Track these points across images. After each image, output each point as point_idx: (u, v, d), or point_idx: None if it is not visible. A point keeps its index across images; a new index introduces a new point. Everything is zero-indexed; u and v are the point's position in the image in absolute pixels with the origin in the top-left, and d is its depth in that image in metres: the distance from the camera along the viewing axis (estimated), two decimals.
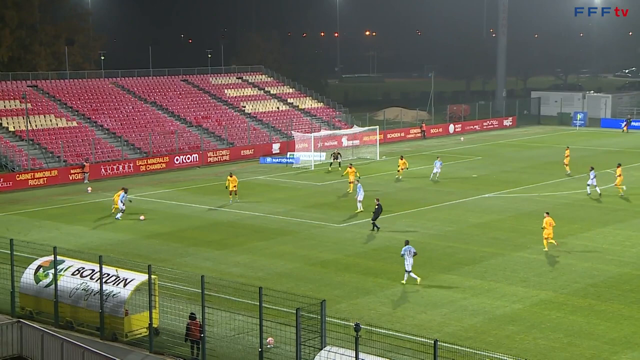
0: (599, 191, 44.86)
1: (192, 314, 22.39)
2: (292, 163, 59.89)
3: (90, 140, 58.67)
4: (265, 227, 38.61)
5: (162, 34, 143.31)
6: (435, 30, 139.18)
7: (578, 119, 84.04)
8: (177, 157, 59.95)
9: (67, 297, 24.68)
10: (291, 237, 36.67)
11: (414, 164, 55.79)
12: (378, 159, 61.99)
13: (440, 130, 78.93)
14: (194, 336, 22.07)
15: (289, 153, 62.92)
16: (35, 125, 58.99)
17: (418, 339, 20.31)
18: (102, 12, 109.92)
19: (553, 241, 33.40)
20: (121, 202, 40.47)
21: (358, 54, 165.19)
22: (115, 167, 56.03)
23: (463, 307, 26.67)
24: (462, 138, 75.06)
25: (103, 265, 24.11)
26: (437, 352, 17.37)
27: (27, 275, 25.87)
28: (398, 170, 52.11)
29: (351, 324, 18.99)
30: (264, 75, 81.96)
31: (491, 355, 20.87)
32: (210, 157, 61.58)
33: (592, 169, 45.12)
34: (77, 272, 25.05)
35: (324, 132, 66.14)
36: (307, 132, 64.60)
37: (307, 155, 60.01)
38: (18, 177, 51.46)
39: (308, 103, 78.22)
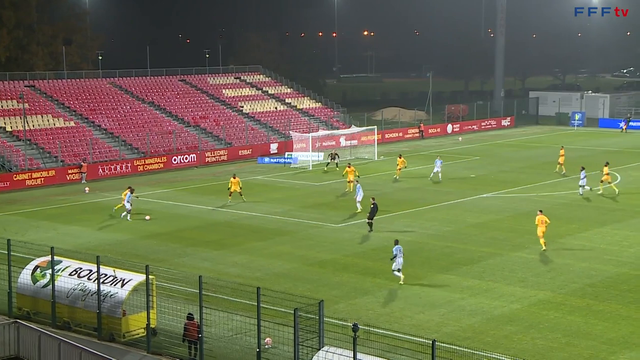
0: (588, 189, 44.88)
1: (189, 314, 22.35)
2: (290, 163, 59.85)
3: (88, 140, 58.59)
4: (263, 227, 38.56)
5: (160, 34, 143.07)
6: (433, 30, 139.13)
7: (576, 119, 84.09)
8: (175, 157, 59.90)
9: (65, 298, 24.62)
10: (289, 237, 36.64)
11: (412, 164, 55.76)
12: (376, 159, 61.96)
13: (439, 130, 78.94)
14: (192, 336, 22.04)
15: (287, 153, 62.87)
16: (33, 125, 58.90)
17: (416, 339, 20.30)
18: (100, 11, 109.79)
19: (543, 241, 33.37)
20: (127, 202, 40.33)
21: (356, 53, 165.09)
22: (112, 167, 55.96)
23: (461, 307, 26.65)
24: (460, 138, 75.06)
25: (100, 266, 24.04)
26: (435, 352, 17.36)
27: (25, 276, 25.82)
28: (398, 170, 52.01)
29: (349, 324, 18.94)
30: (261, 75, 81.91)
31: (489, 355, 20.85)
32: (208, 157, 61.53)
33: (583, 169, 45.23)
34: (74, 272, 24.99)
35: (322, 132, 66.12)
36: (305, 132, 64.57)
37: (305, 155, 59.99)
38: (15, 177, 51.39)
39: (306, 103, 78.20)
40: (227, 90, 75.70)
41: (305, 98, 79.24)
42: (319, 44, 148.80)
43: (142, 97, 69.19)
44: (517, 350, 22.72)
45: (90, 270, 24.75)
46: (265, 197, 46.34)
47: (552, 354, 22.71)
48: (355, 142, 67.27)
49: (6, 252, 25.78)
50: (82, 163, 54.17)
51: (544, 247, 33.29)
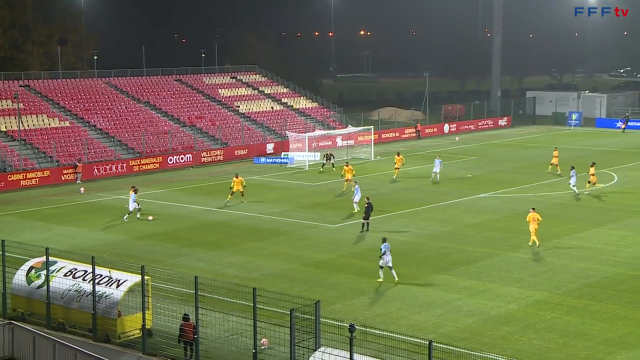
0: (576, 192, 44.88)
1: (185, 315, 22.28)
2: (286, 163, 59.74)
3: (83, 141, 58.41)
4: (259, 228, 38.46)
5: (156, 33, 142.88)
6: (430, 30, 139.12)
7: (573, 118, 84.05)
8: (171, 157, 59.74)
9: (60, 299, 24.51)
10: (285, 237, 36.54)
11: (409, 164, 55.63)
12: (373, 159, 61.88)
13: (435, 130, 78.89)
14: (188, 337, 21.94)
15: (283, 153, 62.76)
16: (28, 125, 58.70)
17: (413, 339, 20.18)
18: (95, 11, 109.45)
19: (534, 238, 33.48)
20: (134, 202, 40.11)
21: (352, 53, 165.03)
22: (108, 167, 55.80)
23: (458, 307, 26.58)
24: (456, 138, 75.02)
25: (96, 266, 23.98)
26: (432, 353, 17.33)
27: (19, 277, 25.69)
28: (395, 169, 51.83)
29: (345, 324, 18.91)
30: (258, 75, 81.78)
31: (486, 356, 20.82)
32: (204, 157, 61.39)
33: (573, 168, 45.28)
34: (69, 273, 24.89)
35: (318, 132, 66.03)
36: (302, 132, 64.47)
37: (302, 156, 59.88)
38: (10, 177, 51.20)
39: (302, 103, 78.10)
40: (223, 90, 75.56)
41: (302, 98, 79.14)
42: (316, 44, 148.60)
43: (137, 97, 69.02)
44: (514, 351, 22.67)
45: (86, 271, 24.65)
46: (262, 197, 46.22)
47: (549, 355, 22.66)
48: (351, 142, 67.19)
49: (0, 252, 25.62)
50: (77, 163, 54.00)
51: (537, 243, 33.41)
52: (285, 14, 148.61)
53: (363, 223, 36.97)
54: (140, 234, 37.45)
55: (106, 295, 23.58)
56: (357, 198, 40.96)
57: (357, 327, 18.09)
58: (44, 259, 25.18)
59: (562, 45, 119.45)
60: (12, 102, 60.17)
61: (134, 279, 23.69)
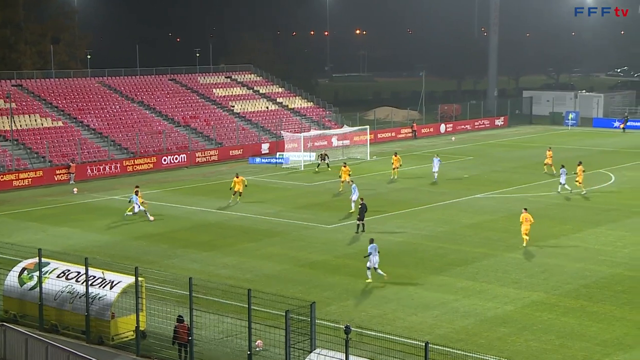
0: (559, 190, 44.81)
1: (179, 316, 22.15)
2: (281, 163, 59.55)
3: (76, 141, 58.13)
4: (254, 228, 38.27)
5: (150, 32, 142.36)
6: (426, 29, 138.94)
7: (570, 118, 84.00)
8: (165, 157, 59.50)
9: (52, 300, 24.36)
10: (280, 238, 36.35)
11: (405, 164, 55.43)
12: (369, 159, 61.72)
13: (432, 130, 78.78)
14: (182, 339, 21.84)
15: (278, 153, 62.59)
16: (20, 125, 58.39)
17: (409, 341, 20.07)
18: (88, 9, 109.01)
19: (526, 237, 33.48)
20: (136, 203, 39.91)
21: (348, 52, 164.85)
22: (101, 167, 55.53)
23: (454, 308, 26.42)
24: (453, 138, 74.93)
25: (89, 268, 23.83)
26: (428, 355, 17.20)
27: (11, 278, 25.52)
28: (393, 169, 51.59)
29: (341, 326, 18.78)
30: (253, 75, 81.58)
31: (482, 357, 20.74)
32: (198, 157, 61.17)
33: (563, 167, 45.42)
34: (62, 274, 24.74)
35: (313, 132, 65.84)
36: (297, 132, 64.27)
37: (297, 156, 59.70)
38: (2, 177, 50.91)
39: (298, 102, 77.91)
40: (217, 89, 75.33)
41: (297, 97, 78.95)
42: (311, 43, 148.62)
43: (131, 97, 68.75)
44: (510, 352, 22.57)
45: (79, 272, 24.51)
46: (257, 197, 46.01)
47: (545, 356, 22.55)
48: (347, 142, 67.03)
49: None
50: (71, 163, 53.72)
51: (524, 244, 33.44)
52: (281, 13, 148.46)
53: (358, 224, 36.77)
54: (134, 235, 37.23)
55: (99, 297, 23.42)
56: (354, 197, 40.77)
57: (352, 329, 17.98)
58: (36, 260, 25.02)
59: (559, 45, 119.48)
60: (4, 101, 59.89)
61: (127, 280, 23.53)
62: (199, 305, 22.21)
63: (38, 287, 24.56)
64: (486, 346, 23.03)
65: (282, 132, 65.73)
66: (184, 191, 49.00)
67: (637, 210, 41.08)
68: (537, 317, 25.57)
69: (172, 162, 59.56)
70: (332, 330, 20.83)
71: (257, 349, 21.94)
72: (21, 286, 25.21)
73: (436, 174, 50.26)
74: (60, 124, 60.87)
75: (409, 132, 75.97)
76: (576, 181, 45.21)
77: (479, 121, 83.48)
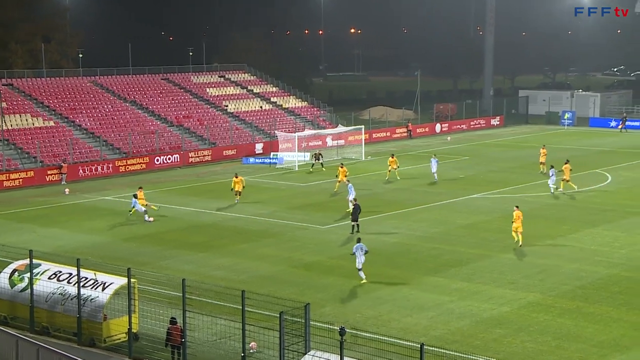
0: (552, 191, 44.73)
1: (172, 318, 21.98)
2: (275, 163, 59.32)
3: (68, 141, 57.78)
4: (248, 229, 38.05)
5: (142, 31, 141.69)
6: (421, 29, 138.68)
7: (566, 118, 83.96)
8: (158, 157, 59.20)
9: (44, 302, 24.17)
10: (274, 239, 36.15)
11: (401, 164, 55.14)
12: (363, 159, 61.54)
13: (427, 129, 78.65)
14: (175, 341, 21.68)
15: (272, 153, 62.37)
16: (11, 125, 57.99)
17: (404, 342, 19.88)
18: (80, 7, 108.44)
19: (517, 235, 33.41)
20: (136, 205, 39.67)
21: (343, 52, 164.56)
22: (93, 167, 55.20)
23: (450, 310, 26.26)
24: (448, 138, 74.81)
25: (81, 269, 23.64)
26: (424, 356, 17.06)
27: (2, 280, 25.34)
28: (389, 170, 51.28)
29: (336, 327, 18.64)
30: (246, 74, 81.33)
31: (478, 358, 20.53)
32: (191, 157, 60.89)
33: (552, 167, 45.43)
34: (53, 275, 24.55)
35: (308, 132, 65.61)
36: (291, 132, 64.05)
37: (291, 156, 59.47)
38: None
39: (292, 102, 77.69)
40: (211, 89, 75.06)
41: (291, 97, 78.73)
42: (305, 42, 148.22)
43: (123, 96, 68.40)
44: (506, 354, 22.47)
45: (70, 274, 24.32)
46: (251, 198, 45.76)
47: (541, 357, 22.43)
48: (342, 141, 66.84)
49: None
50: (62, 164, 53.38)
51: (515, 239, 33.46)
52: (275, 12, 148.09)
53: (353, 225, 36.55)
54: (126, 236, 36.99)
55: (91, 299, 23.23)
56: (351, 196, 40.51)
57: (347, 330, 17.85)
58: (27, 261, 24.82)
59: (555, 44, 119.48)
60: None
61: (120, 281, 23.34)
62: (192, 307, 22.01)
63: (29, 289, 24.35)
64: (482, 347, 22.90)
65: (276, 131, 65.52)
66: (177, 192, 48.75)
67: (633, 211, 40.99)
68: (533, 318, 25.44)
69: (165, 162, 59.27)
70: (326, 332, 20.73)
71: (251, 351, 21.79)
72: (12, 288, 25.01)
73: (436, 175, 50.07)
74: (51, 123, 60.50)
75: (404, 132, 75.83)
76: (563, 179, 45.09)
77: (475, 121, 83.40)
